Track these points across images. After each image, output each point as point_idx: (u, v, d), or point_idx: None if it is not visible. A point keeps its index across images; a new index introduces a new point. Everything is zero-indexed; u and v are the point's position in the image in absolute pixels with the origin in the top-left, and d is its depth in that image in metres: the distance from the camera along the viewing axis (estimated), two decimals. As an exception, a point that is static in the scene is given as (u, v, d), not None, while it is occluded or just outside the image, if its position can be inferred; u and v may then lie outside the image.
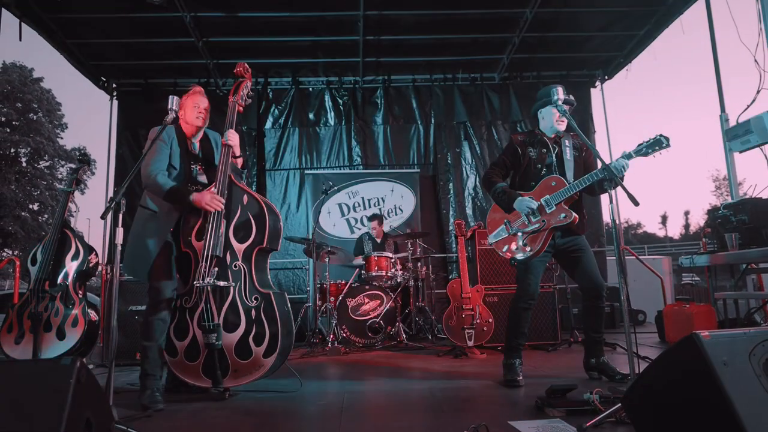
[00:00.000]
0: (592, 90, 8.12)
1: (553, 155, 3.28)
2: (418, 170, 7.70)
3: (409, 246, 5.98)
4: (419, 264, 6.31)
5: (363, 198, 7.51)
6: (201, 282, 2.95)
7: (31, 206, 25.47)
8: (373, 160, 7.87)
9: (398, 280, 5.77)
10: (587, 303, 3.32)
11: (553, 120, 3.29)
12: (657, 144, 2.82)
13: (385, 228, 6.74)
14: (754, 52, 4.79)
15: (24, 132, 24.93)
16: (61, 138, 26.77)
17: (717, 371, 1.36)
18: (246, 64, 3.52)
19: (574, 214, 3.14)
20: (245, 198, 3.14)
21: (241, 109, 3.42)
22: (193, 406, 2.89)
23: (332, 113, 7.94)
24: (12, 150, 24.95)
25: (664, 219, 43.01)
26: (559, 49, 7.38)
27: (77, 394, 1.47)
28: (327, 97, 7.94)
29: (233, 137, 3.24)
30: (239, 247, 3.08)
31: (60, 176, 26.05)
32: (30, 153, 25.54)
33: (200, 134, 3.37)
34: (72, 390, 1.44)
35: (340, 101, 7.94)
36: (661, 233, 41.85)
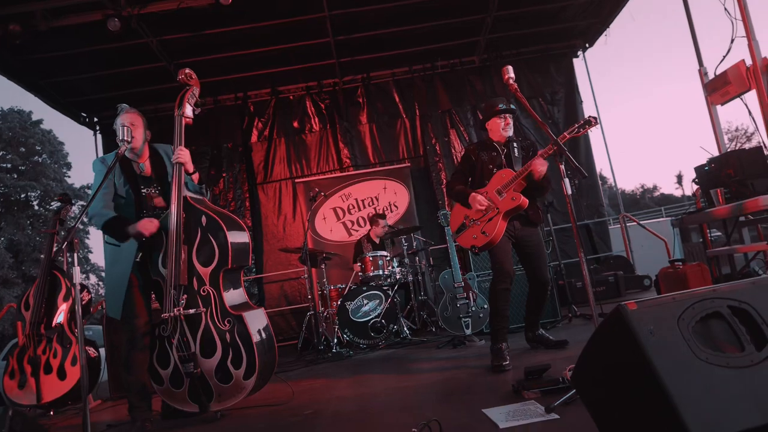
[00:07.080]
0: (575, 60, 8.01)
1: (502, 156, 3.61)
2: (409, 164, 7.63)
3: (404, 241, 5.93)
4: (417, 258, 6.27)
5: (356, 199, 7.46)
6: (169, 312, 2.88)
7: (48, 247, 25.90)
8: (362, 160, 7.84)
9: (397, 277, 5.73)
10: (534, 293, 3.70)
11: (499, 129, 3.62)
12: (587, 124, 3.07)
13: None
14: (723, 1, 4.65)
15: (31, 176, 25.39)
16: (69, 177, 27.23)
17: (642, 341, 1.30)
18: (189, 70, 3.17)
19: (523, 197, 3.36)
20: (203, 219, 2.99)
21: (189, 121, 3.12)
22: (182, 431, 2.90)
23: (316, 118, 7.93)
24: (22, 195, 25.41)
25: (679, 178, 41.91)
26: (535, 24, 7.28)
27: (10, 440, 1.46)
28: (309, 103, 7.92)
29: (183, 154, 3.01)
30: (204, 271, 2.96)
31: (72, 215, 26.48)
32: (40, 195, 26.00)
33: (144, 153, 3.17)
34: (4, 437, 1.45)
35: (323, 105, 7.92)
36: (678, 193, 40.97)
